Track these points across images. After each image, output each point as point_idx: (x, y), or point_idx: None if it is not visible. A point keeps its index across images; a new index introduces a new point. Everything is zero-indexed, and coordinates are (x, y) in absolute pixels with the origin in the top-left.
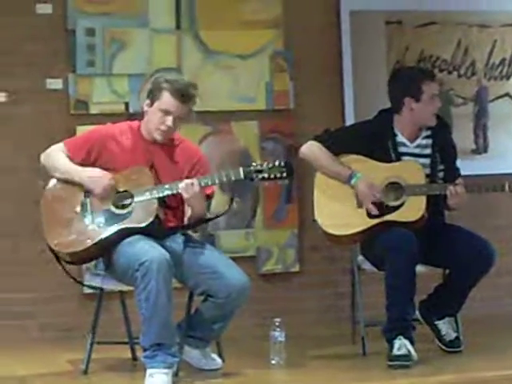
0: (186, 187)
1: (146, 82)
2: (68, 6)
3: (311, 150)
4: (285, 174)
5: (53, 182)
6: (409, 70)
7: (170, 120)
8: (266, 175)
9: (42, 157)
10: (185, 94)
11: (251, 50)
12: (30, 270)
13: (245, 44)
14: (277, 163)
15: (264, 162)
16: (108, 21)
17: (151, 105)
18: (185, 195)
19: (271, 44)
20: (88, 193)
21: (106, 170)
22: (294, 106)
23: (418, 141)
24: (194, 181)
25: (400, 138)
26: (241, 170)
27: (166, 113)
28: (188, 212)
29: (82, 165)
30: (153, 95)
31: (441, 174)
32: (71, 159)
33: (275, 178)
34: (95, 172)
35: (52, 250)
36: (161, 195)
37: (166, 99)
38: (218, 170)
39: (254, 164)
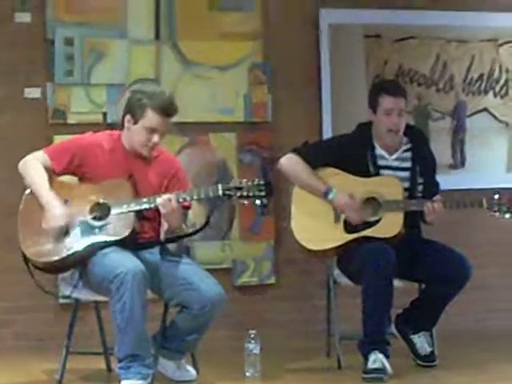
0: (163, 203)
1: (124, 92)
2: (47, 16)
3: (290, 162)
4: (263, 193)
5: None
6: (377, 82)
7: (156, 137)
8: (244, 193)
9: (20, 164)
10: (168, 109)
11: (230, 62)
12: (5, 279)
13: (224, 55)
14: (256, 182)
15: (243, 179)
16: (87, 31)
17: (134, 123)
18: (162, 211)
19: (250, 56)
20: (67, 202)
21: (85, 179)
22: (272, 119)
23: (398, 154)
24: (172, 196)
25: (379, 151)
26: (219, 186)
27: (152, 131)
28: (165, 226)
29: (63, 173)
30: (135, 113)
31: (420, 188)
32: (53, 168)
33: (254, 196)
34: (56, 210)
35: (25, 258)
36: (138, 208)
37: (151, 117)
38: (195, 184)
39: (233, 181)
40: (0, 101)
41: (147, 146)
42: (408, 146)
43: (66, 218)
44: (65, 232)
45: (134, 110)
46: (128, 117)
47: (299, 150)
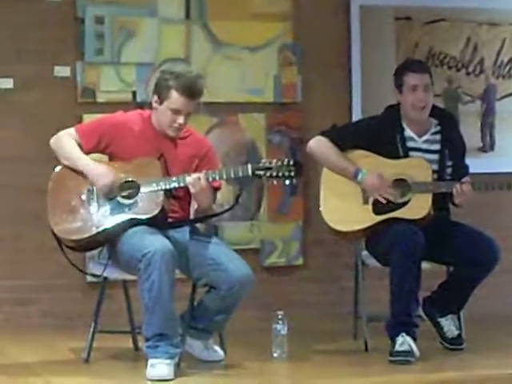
0: (193, 182)
1: (153, 71)
2: None
3: (318, 145)
4: (293, 174)
5: (60, 167)
6: (401, 63)
7: (181, 118)
8: (274, 173)
9: (52, 140)
10: (193, 91)
11: (260, 43)
12: (33, 258)
13: (254, 36)
14: (286, 162)
15: (273, 159)
16: (117, 9)
17: (160, 103)
18: (192, 190)
19: (280, 37)
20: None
21: (115, 158)
22: (302, 100)
23: (427, 136)
24: (202, 175)
25: (408, 133)
26: (249, 166)
27: (177, 112)
28: (195, 205)
29: (92, 152)
30: (161, 93)
31: (449, 170)
32: (82, 146)
33: (283, 176)
34: (99, 169)
35: (55, 236)
36: (167, 187)
37: (175, 98)
38: (225, 165)
39: (262, 161)
40: (30, 79)
41: (172, 126)
42: (437, 128)
43: (112, 175)
44: (114, 191)
45: (160, 91)
46: (155, 97)
47: (328, 132)
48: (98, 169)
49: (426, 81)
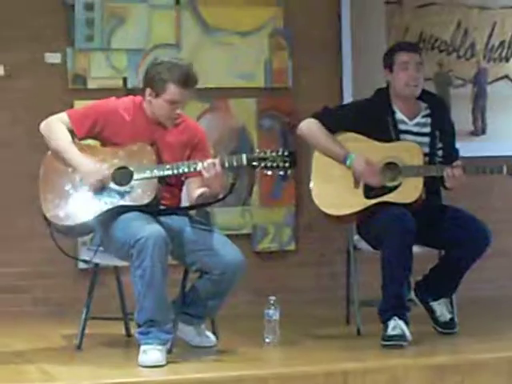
0: (207, 167)
1: (144, 57)
2: None
3: (309, 127)
4: (288, 165)
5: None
6: (391, 45)
7: (176, 109)
8: (268, 164)
9: (42, 125)
10: (189, 81)
11: (251, 28)
12: (25, 245)
13: (244, 21)
14: (280, 152)
15: (267, 149)
16: None
17: (156, 96)
18: (206, 175)
19: (271, 22)
20: None
21: (107, 143)
22: (293, 84)
23: (417, 119)
24: (216, 161)
25: (399, 116)
26: (244, 156)
27: (174, 103)
28: (197, 191)
29: (84, 138)
30: (155, 86)
31: (440, 153)
32: (75, 132)
33: (278, 167)
34: (90, 166)
35: (47, 221)
36: (161, 174)
37: (172, 91)
38: (216, 150)
39: (257, 151)
40: (21, 66)
41: (171, 118)
42: (427, 111)
43: (102, 171)
44: (103, 187)
45: (154, 84)
46: (149, 90)
47: (319, 114)
48: (88, 166)
49: (417, 59)
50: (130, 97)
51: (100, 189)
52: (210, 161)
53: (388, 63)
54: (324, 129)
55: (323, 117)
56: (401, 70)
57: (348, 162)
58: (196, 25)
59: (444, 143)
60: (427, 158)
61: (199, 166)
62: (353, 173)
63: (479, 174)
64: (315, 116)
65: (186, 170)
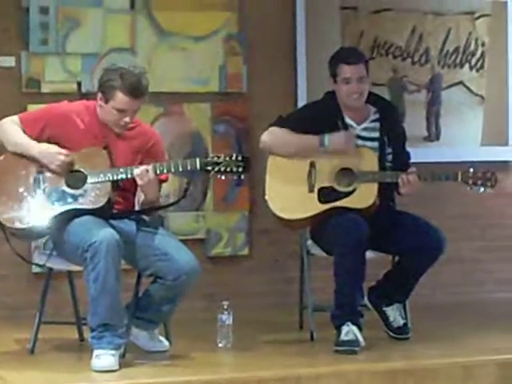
0: (140, 174)
1: (99, 62)
2: None
3: (274, 134)
4: (241, 169)
5: (5, 154)
6: (335, 52)
7: (127, 117)
8: (222, 168)
9: None
10: (137, 91)
11: (205, 32)
12: None
13: (199, 26)
14: (234, 157)
15: (221, 154)
16: None
17: (105, 102)
18: (139, 182)
19: (226, 27)
20: (42, 168)
21: (59, 147)
22: (247, 90)
23: (365, 124)
24: (150, 168)
25: (348, 120)
26: (197, 160)
27: (122, 111)
28: (141, 197)
29: (35, 140)
30: (105, 92)
31: (389, 158)
32: (26, 134)
33: (231, 171)
34: (51, 148)
35: (1, 225)
36: (115, 178)
37: (119, 99)
38: (170, 155)
39: (211, 155)
40: None
41: (119, 125)
42: (376, 116)
43: (64, 152)
44: (70, 166)
45: (104, 90)
46: (100, 95)
47: (276, 123)
48: (49, 148)
49: (360, 72)
50: (83, 101)
51: (68, 168)
52: (142, 167)
53: (332, 73)
54: (287, 130)
55: (282, 123)
56: (343, 84)
57: (326, 140)
58: (151, 29)
59: (394, 148)
60: (377, 160)
61: (135, 172)
62: (308, 176)
63: (434, 181)
64: (274, 125)
65: (123, 176)
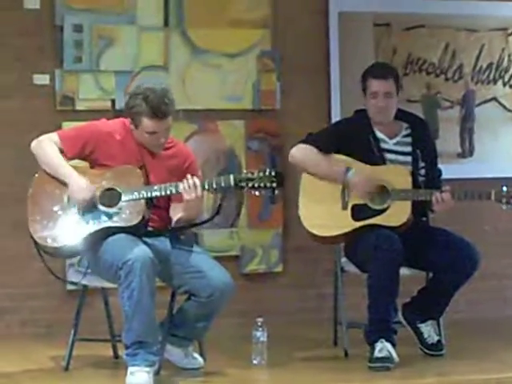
0: (188, 189)
1: (132, 79)
2: (56, 2)
3: (303, 152)
4: (275, 185)
5: (41, 172)
6: (367, 67)
7: (161, 138)
8: (256, 184)
9: (33, 144)
10: (161, 112)
11: (239, 49)
12: (12, 266)
13: (232, 43)
14: (267, 172)
15: (255, 170)
16: (96, 17)
17: (135, 127)
18: (186, 197)
19: (259, 44)
20: None
21: (96, 165)
22: (281, 107)
23: (398, 138)
24: (197, 181)
25: (379, 135)
26: (231, 177)
27: (153, 133)
28: (178, 215)
29: (74, 158)
30: (133, 119)
31: (422, 172)
32: (65, 152)
33: (265, 187)
34: (81, 182)
35: (35, 243)
36: (149, 196)
37: (146, 123)
38: (204, 172)
39: (244, 171)
40: (9, 87)
41: (155, 145)
42: (408, 131)
43: (92, 190)
44: (92, 205)
45: (131, 117)
46: (129, 120)
47: (306, 141)
48: (81, 182)
49: (388, 88)
50: (121, 119)
51: (87, 208)
52: (191, 181)
53: (363, 87)
54: (316, 150)
55: (312, 141)
56: (371, 99)
57: (350, 173)
58: (184, 46)
59: (426, 162)
60: (410, 178)
61: (180, 187)
62: (342, 193)
63: (467, 200)
64: (304, 142)
65: (158, 193)
